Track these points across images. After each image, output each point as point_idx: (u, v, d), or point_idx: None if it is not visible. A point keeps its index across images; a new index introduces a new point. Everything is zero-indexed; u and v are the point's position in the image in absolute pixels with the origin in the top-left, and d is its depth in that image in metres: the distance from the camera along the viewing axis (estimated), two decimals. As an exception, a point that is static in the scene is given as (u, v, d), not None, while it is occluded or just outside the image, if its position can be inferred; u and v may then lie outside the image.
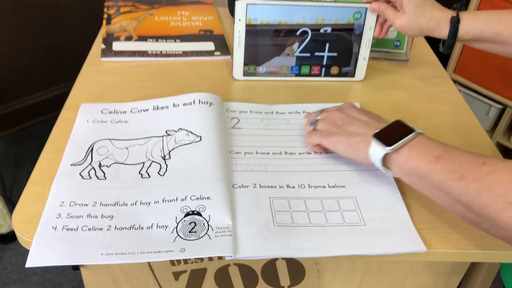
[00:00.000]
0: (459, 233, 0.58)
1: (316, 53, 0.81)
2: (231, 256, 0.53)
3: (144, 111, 0.73)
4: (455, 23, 0.72)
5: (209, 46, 0.90)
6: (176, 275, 0.64)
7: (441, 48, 0.77)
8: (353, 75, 0.84)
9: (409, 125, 0.58)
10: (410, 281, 0.67)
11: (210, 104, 0.72)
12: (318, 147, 0.67)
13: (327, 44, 0.80)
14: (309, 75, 0.83)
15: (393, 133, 0.58)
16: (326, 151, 0.67)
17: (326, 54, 0.81)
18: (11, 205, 1.65)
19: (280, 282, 0.66)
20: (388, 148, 0.56)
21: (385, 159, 0.57)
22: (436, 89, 0.85)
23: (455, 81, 1.86)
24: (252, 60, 0.81)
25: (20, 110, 1.96)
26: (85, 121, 0.70)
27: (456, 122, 0.76)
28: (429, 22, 0.73)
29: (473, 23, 0.72)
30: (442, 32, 0.74)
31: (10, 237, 1.54)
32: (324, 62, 0.82)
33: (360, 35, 0.80)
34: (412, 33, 0.75)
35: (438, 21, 0.73)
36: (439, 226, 0.59)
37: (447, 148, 0.54)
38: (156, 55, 0.86)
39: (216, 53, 0.88)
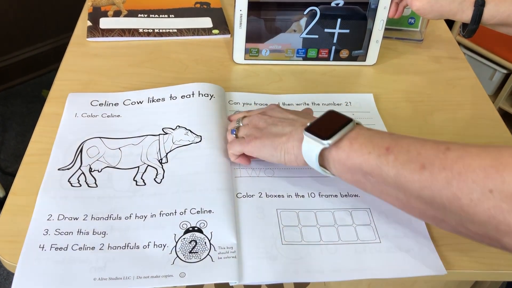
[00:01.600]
0: (480, 249, 0.54)
1: (326, 30, 0.73)
2: (235, 283, 0.48)
3: (138, 103, 0.66)
4: (479, 6, 0.65)
5: (206, 22, 0.82)
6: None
7: (462, 33, 0.70)
8: (364, 59, 0.77)
9: (344, 115, 0.51)
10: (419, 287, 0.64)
11: (211, 97, 0.65)
12: (242, 158, 0.58)
13: (339, 20, 0.72)
14: (317, 58, 0.76)
15: (328, 125, 0.49)
16: (251, 161, 0.59)
17: (337, 31, 0.74)
18: (-1, 169, 1.60)
19: (283, 285, 0.62)
20: (326, 142, 0.48)
21: (321, 157, 0.49)
22: (453, 74, 0.78)
23: (459, 44, 1.78)
24: (255, 38, 0.73)
25: (4, 68, 1.86)
26: (73, 116, 0.64)
27: (475, 116, 0.71)
28: (451, 4, 0.66)
29: (500, 7, 0.65)
30: (465, 15, 0.67)
31: (0, 203, 1.49)
32: (335, 40, 0.74)
33: (376, 10, 0.72)
34: (431, 16, 0.68)
35: (461, 4, 0.66)
36: (459, 241, 0.54)
37: (395, 137, 0.46)
38: (148, 34, 0.78)
39: (214, 31, 0.80)
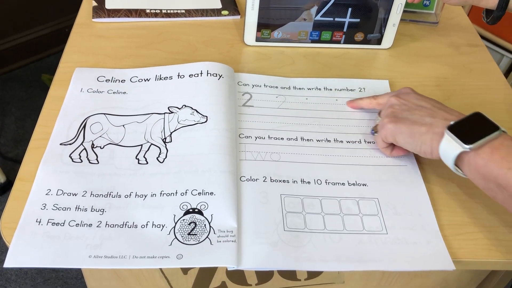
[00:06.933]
0: (497, 237, 0.52)
1: (337, 19, 0.71)
2: (233, 267, 0.46)
3: (145, 81, 0.65)
4: (506, -8, 0.62)
5: (215, 3, 0.81)
6: (185, 270, 0.59)
7: (485, 19, 0.67)
8: (379, 42, 0.74)
9: (492, 121, 0.50)
10: (435, 275, 0.62)
11: (220, 77, 0.63)
12: (390, 148, 0.58)
13: (350, 9, 0.70)
14: (331, 41, 0.74)
15: (472, 129, 0.49)
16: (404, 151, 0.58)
17: (347, 20, 0.71)
18: (-1, 154, 1.57)
19: (296, 275, 0.61)
20: (468, 146, 0.47)
21: (457, 158, 0.49)
22: (470, 58, 0.77)
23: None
24: (267, 22, 0.71)
25: (3, 51, 1.81)
26: (78, 90, 0.63)
27: (493, 101, 0.69)
28: None
29: None
30: (490, 1, 0.64)
31: (1, 189, 1.47)
32: (345, 29, 0.72)
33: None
34: (455, 2, 0.65)
35: (486, -11, 0.63)
36: (468, 231, 0.53)
37: None
38: (155, 14, 0.77)
39: (223, 12, 0.79)
